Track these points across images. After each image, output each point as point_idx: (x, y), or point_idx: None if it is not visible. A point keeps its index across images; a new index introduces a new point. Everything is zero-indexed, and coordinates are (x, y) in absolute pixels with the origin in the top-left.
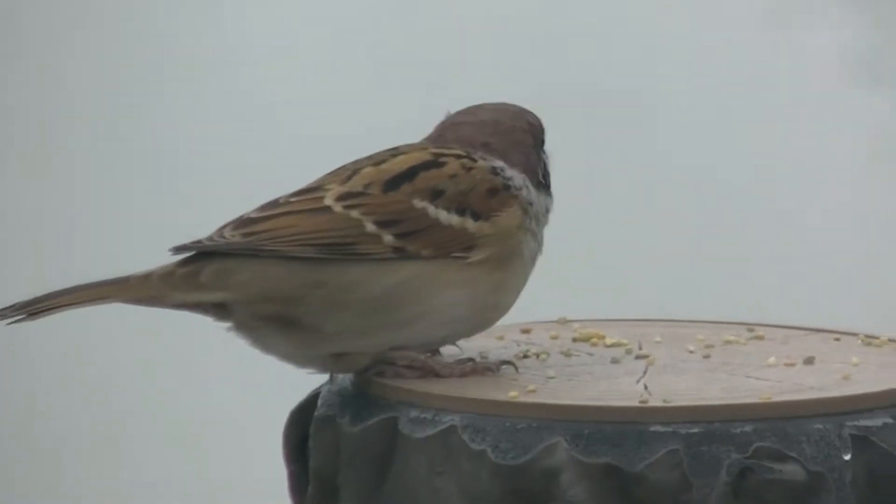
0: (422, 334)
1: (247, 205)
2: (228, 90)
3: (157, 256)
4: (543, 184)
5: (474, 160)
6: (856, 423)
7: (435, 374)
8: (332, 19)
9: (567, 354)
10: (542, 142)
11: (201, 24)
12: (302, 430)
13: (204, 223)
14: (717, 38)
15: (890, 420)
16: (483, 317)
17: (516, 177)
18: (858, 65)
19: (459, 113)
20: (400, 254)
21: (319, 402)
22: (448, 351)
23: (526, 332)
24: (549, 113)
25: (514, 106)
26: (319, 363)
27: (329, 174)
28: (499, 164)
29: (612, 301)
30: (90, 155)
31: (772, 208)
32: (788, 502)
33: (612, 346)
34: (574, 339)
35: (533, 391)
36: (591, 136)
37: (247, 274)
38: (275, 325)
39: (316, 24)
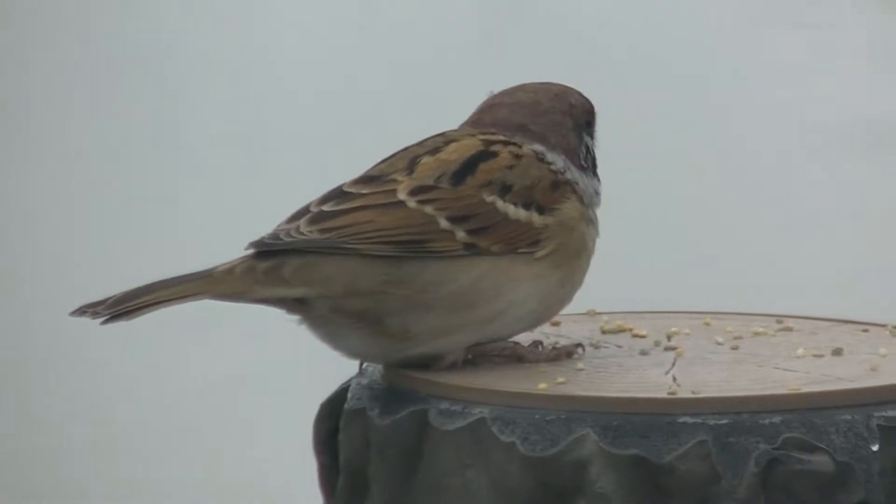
0: (501, 331)
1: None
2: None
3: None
4: (586, 167)
5: (519, 146)
6: (884, 413)
7: (523, 360)
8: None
9: (596, 346)
10: (588, 123)
11: (209, 22)
12: (332, 422)
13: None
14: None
15: None
16: (550, 312)
17: (557, 160)
18: (870, 49)
19: (499, 94)
20: (471, 250)
21: (349, 394)
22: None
23: (555, 324)
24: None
25: (557, 86)
26: (403, 361)
27: (385, 162)
28: (539, 147)
29: (641, 293)
30: (103, 150)
31: (789, 199)
32: (817, 493)
33: (641, 337)
34: (603, 331)
35: (562, 383)
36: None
37: (329, 269)
38: (356, 322)
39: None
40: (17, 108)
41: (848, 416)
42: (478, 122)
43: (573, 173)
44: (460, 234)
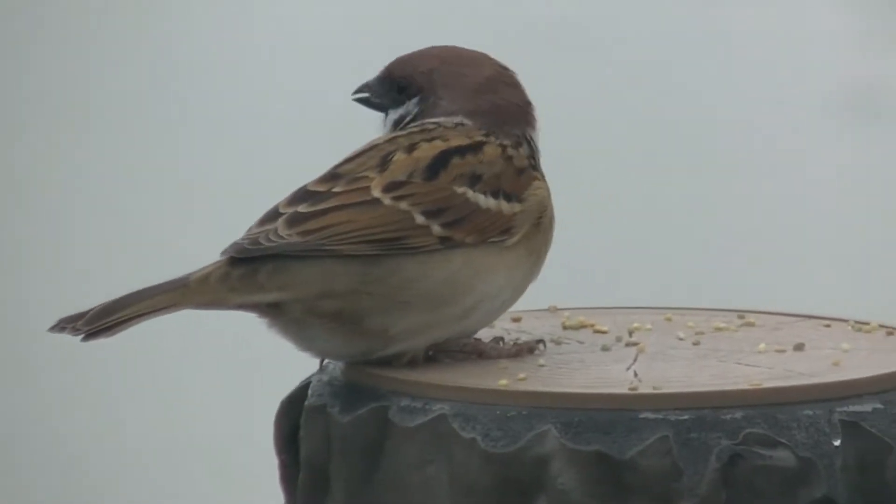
0: (478, 323)
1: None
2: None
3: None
4: (530, 120)
5: (487, 135)
6: (846, 408)
7: (484, 356)
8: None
9: (557, 342)
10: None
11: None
12: (293, 420)
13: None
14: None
15: (880, 406)
16: (517, 300)
17: (513, 139)
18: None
19: (449, 74)
20: (446, 244)
21: (310, 391)
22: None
23: (516, 320)
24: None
25: (473, 52)
26: (371, 358)
27: (353, 161)
28: (497, 130)
29: (602, 289)
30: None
31: (764, 196)
32: (778, 488)
33: (603, 333)
34: (564, 327)
35: (523, 379)
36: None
37: (305, 272)
38: (331, 323)
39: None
40: (18, 107)
41: (810, 412)
42: (474, 112)
43: (529, 135)
44: (436, 228)
